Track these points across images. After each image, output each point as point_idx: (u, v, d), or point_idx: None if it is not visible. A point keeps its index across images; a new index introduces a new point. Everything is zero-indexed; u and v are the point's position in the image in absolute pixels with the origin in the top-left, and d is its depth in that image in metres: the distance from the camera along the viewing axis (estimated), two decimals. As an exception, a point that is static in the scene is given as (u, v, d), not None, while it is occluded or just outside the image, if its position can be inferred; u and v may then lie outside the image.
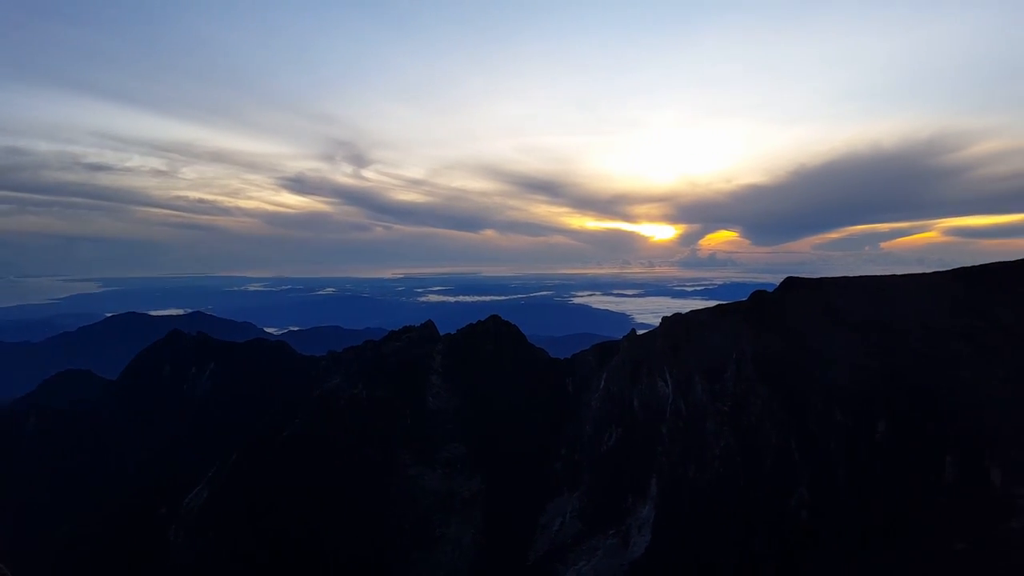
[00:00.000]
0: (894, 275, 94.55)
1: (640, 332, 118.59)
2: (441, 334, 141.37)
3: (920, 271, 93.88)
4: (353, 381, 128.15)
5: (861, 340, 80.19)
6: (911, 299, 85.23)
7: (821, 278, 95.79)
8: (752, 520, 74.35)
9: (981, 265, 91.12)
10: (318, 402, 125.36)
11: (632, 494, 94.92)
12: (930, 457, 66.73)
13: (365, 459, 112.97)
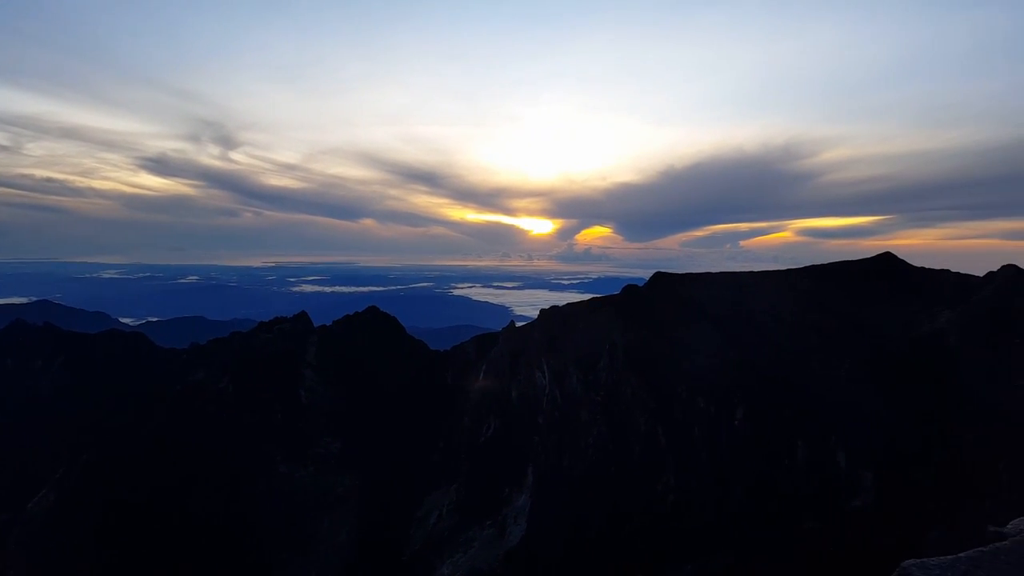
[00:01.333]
0: (752, 272, 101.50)
1: (519, 324, 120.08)
2: (315, 326, 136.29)
3: (775, 268, 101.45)
4: (219, 375, 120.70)
5: (722, 332, 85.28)
6: (767, 294, 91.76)
7: (687, 273, 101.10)
8: (622, 505, 77.24)
9: (829, 263, 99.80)
10: (180, 398, 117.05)
11: (509, 484, 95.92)
12: (783, 441, 72.06)
13: (232, 457, 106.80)
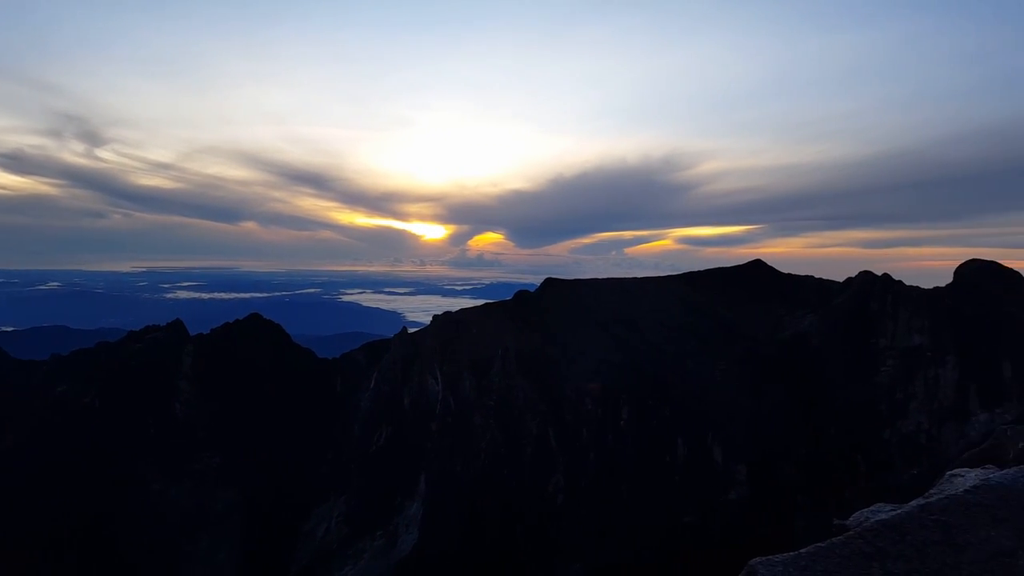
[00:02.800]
0: (635, 278, 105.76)
1: (412, 330, 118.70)
2: (192, 335, 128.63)
3: (657, 275, 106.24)
4: (84, 389, 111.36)
5: (608, 336, 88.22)
6: (649, 299, 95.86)
7: (576, 279, 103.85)
8: (515, 506, 78.04)
9: (705, 270, 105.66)
10: (40, 413, 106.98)
11: (401, 493, 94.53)
12: (665, 439, 75.31)
13: (101, 476, 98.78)
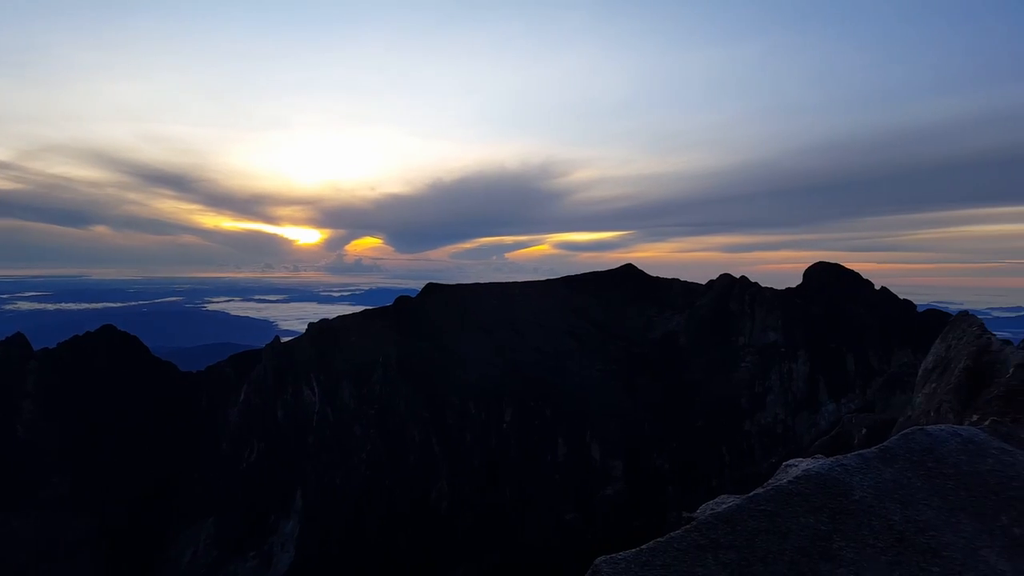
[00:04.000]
0: (516, 282, 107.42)
1: (285, 339, 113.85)
2: (36, 350, 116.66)
3: (536, 279, 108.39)
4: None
5: (491, 339, 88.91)
6: (530, 303, 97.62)
7: (457, 284, 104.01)
8: (398, 516, 76.75)
9: (581, 274, 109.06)
10: None
11: (276, 511, 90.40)
12: (547, 439, 76.78)
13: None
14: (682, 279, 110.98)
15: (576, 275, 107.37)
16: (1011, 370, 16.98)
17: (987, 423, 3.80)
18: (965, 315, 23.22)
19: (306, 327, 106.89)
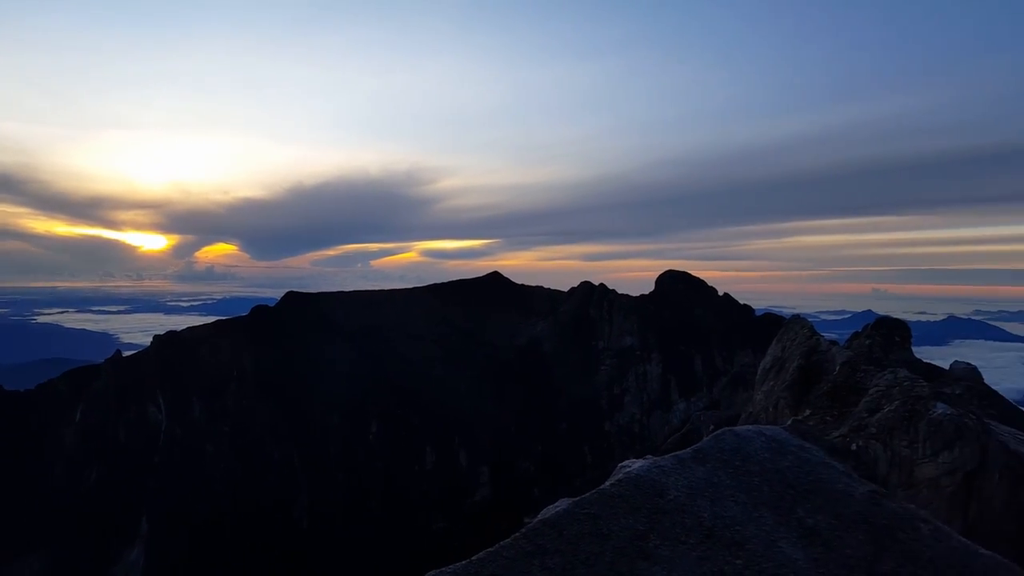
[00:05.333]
0: (382, 290, 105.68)
1: (127, 353, 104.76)
2: None
3: (403, 287, 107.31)
4: None
5: (355, 349, 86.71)
6: (396, 311, 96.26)
7: (319, 292, 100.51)
8: (257, 537, 72.78)
9: (448, 282, 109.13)
10: None
11: (118, 538, 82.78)
12: (414, 448, 75.91)
13: None
14: (545, 287, 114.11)
15: (443, 283, 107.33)
16: (837, 368, 18.92)
17: (789, 423, 4.19)
18: (797, 318, 25.58)
19: (151, 340, 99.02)
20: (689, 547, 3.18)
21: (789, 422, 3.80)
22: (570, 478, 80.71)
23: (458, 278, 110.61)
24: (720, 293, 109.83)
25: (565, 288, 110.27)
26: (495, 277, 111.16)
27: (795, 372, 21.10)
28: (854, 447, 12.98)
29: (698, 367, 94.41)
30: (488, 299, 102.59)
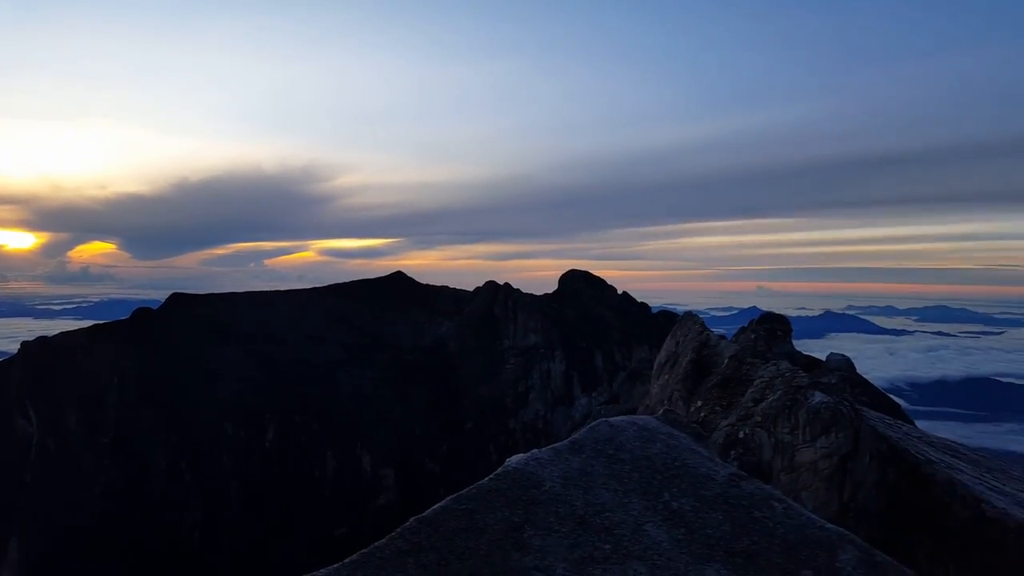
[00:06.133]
0: (278, 290, 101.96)
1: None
2: None
3: (301, 287, 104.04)
4: None
5: (250, 353, 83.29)
6: (294, 312, 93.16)
7: (209, 294, 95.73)
8: (141, 555, 68.59)
9: (350, 282, 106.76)
10: None
11: (-20, 567, 75.81)
12: (314, 454, 73.82)
13: None
14: (451, 286, 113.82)
15: (344, 283, 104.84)
16: (726, 361, 19.99)
17: (660, 412, 4.42)
18: (689, 315, 26.83)
19: (19, 346, 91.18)
20: (562, 535, 3.29)
21: (661, 412, 4.02)
22: (477, 477, 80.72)
23: (360, 278, 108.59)
24: (619, 292, 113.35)
25: (470, 288, 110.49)
26: (399, 277, 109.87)
27: (688, 366, 22.11)
28: (741, 435, 13.71)
29: (599, 363, 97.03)
30: (392, 299, 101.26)
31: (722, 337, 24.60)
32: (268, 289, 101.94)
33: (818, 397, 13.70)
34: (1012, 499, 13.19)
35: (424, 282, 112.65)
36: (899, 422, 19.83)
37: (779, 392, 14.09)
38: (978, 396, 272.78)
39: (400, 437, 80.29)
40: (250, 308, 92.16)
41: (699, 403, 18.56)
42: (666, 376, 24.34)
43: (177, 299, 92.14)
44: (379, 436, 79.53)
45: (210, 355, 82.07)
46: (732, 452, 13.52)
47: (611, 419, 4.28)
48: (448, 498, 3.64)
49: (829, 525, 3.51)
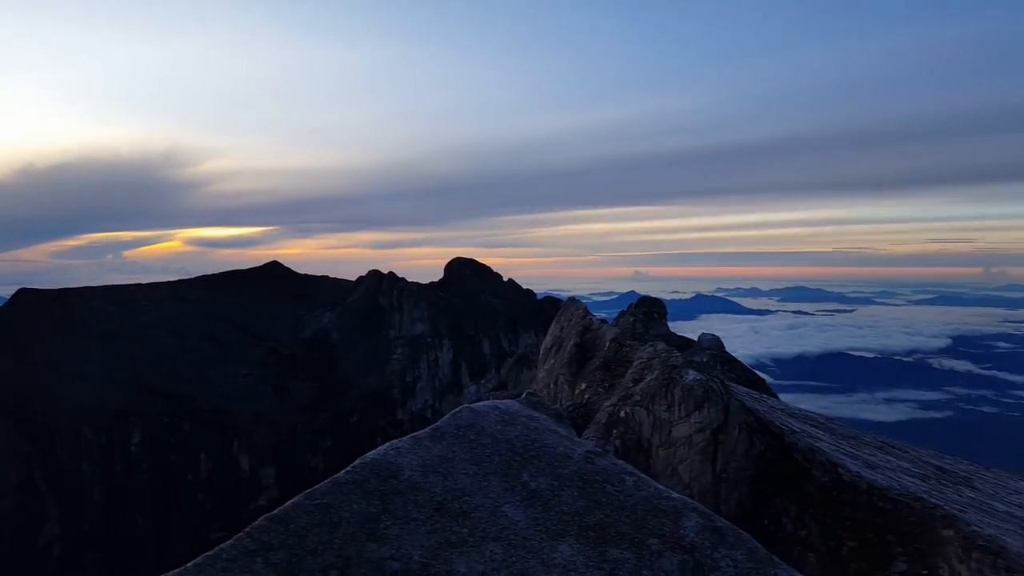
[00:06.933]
0: (140, 284, 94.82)
1: None
2: None
3: (166, 279, 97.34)
4: None
5: (110, 351, 77.37)
6: (159, 307, 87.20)
7: (62, 289, 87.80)
8: (-11, 579, 62.46)
9: (221, 273, 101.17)
10: None
11: None
12: (187, 457, 69.79)
13: None
14: (331, 276, 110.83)
15: (215, 274, 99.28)
16: (607, 344, 20.67)
17: (523, 396, 4.52)
18: (572, 301, 27.50)
19: None
20: (419, 523, 3.27)
21: (524, 395, 4.09)
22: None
23: (232, 268, 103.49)
24: (505, 279, 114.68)
25: (353, 277, 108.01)
26: (275, 267, 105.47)
27: (572, 350, 22.67)
28: (623, 414, 14.23)
29: (486, 350, 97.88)
30: (267, 290, 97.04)
31: (604, 321, 25.45)
32: (129, 283, 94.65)
33: (691, 375, 14.46)
34: (864, 463, 14.56)
35: (302, 272, 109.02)
36: (764, 396, 21.38)
37: (656, 372, 14.75)
38: (833, 370, 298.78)
39: (280, 434, 77.47)
40: (108, 303, 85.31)
41: (583, 385, 19.10)
42: (552, 361, 24.91)
43: (24, 295, 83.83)
44: (257, 434, 76.45)
45: (63, 355, 75.41)
46: (614, 431, 14.04)
47: (473, 405, 4.32)
48: (301, 494, 3.52)
49: (675, 495, 3.72)
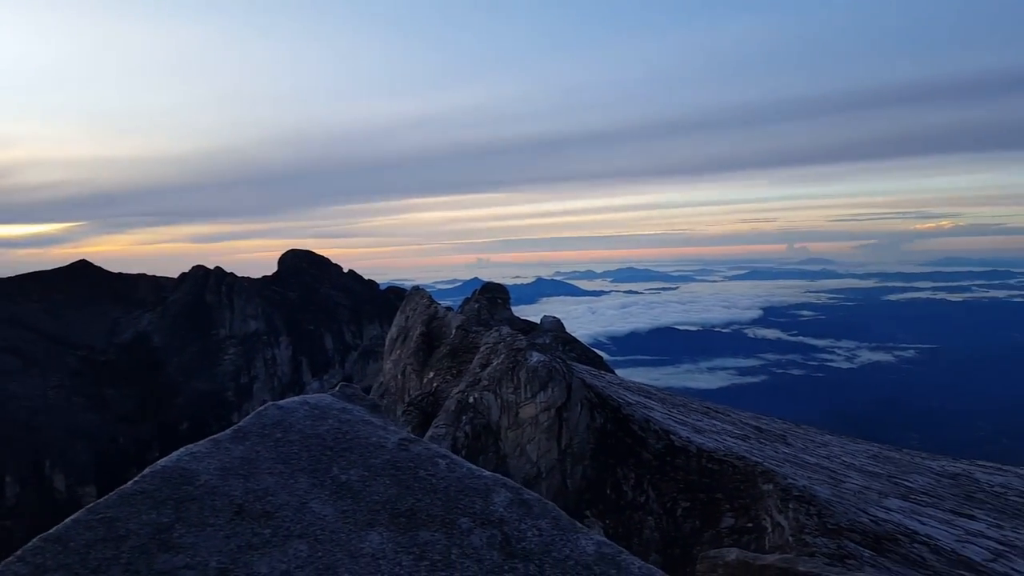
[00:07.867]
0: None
1: None
2: None
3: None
4: None
5: None
6: (-60, 316, 75.88)
7: None
8: None
9: (20, 275, 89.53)
10: None
11: None
12: (-21, 485, 61.86)
13: None
14: (150, 274, 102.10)
15: (11, 277, 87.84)
16: (454, 331, 20.80)
17: (336, 388, 4.45)
18: (417, 290, 27.34)
19: None
20: (216, 528, 3.12)
21: (337, 388, 4.04)
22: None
23: (32, 270, 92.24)
24: (345, 270, 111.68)
25: (174, 274, 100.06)
26: (83, 266, 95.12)
27: (418, 339, 22.63)
28: (471, 400, 14.48)
29: (329, 344, 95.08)
30: (76, 293, 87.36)
31: (449, 309, 25.65)
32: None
33: (535, 357, 15.05)
34: (692, 428, 15.90)
35: (116, 271, 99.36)
36: (602, 372, 22.65)
37: (502, 356, 15.19)
38: (662, 344, 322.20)
39: (100, 449, 70.56)
40: None
41: (431, 374, 19.19)
42: (398, 351, 24.71)
43: None
44: (73, 451, 69.28)
45: None
46: (464, 417, 14.33)
47: (280, 402, 4.16)
48: (82, 509, 3.21)
49: (486, 473, 3.86)
